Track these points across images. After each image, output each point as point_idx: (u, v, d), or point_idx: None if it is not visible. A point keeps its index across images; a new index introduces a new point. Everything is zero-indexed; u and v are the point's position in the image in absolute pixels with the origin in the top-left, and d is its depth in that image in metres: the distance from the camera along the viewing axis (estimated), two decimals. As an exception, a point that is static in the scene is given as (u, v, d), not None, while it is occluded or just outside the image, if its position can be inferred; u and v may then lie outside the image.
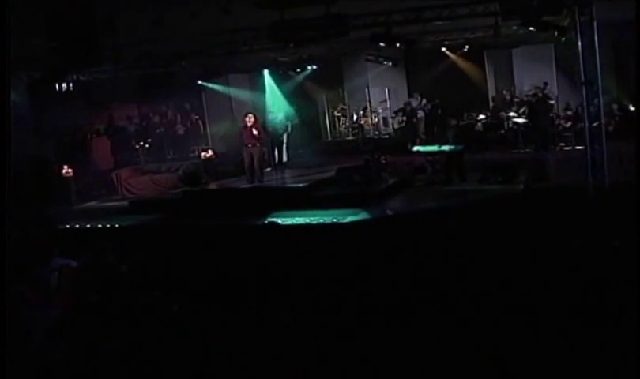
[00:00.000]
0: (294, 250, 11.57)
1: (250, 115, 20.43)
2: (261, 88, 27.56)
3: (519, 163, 20.43)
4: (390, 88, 27.86)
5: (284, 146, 25.07)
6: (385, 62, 26.56)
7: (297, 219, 15.89)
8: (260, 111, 21.79)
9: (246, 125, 20.18)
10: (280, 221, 13.27)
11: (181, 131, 27.22)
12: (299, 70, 26.88)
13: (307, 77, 27.97)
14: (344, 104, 28.29)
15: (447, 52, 27.37)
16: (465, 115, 24.87)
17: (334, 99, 28.74)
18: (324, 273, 11.05)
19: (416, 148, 21.30)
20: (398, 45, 21.38)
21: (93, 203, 23.22)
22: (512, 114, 24.09)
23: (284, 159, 25.27)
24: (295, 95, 28.14)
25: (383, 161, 20.75)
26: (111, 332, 8.91)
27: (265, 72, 26.96)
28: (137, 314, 9.39)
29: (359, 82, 28.22)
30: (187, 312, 9.56)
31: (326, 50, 23.16)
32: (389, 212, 17.00)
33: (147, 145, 25.42)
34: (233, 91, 27.68)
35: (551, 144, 22.53)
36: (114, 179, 23.79)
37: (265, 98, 26.96)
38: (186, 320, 9.39)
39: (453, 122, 22.61)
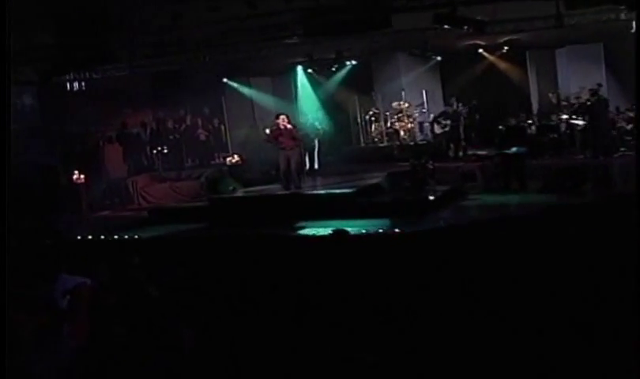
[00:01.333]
0: (363, 264, 9.06)
1: (284, 116, 18.26)
2: (287, 91, 25.18)
3: (582, 169, 17.87)
4: (426, 91, 25.30)
5: (316, 152, 22.65)
6: (433, 56, 23.78)
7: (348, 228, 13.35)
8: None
9: (279, 127, 17.98)
10: (349, 230, 10.60)
11: (202, 137, 24.68)
12: (335, 68, 24.03)
13: (344, 77, 25.47)
14: (377, 108, 25.64)
15: (485, 53, 25.43)
16: (512, 119, 22.33)
17: (366, 102, 26.22)
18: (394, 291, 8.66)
19: (471, 152, 18.70)
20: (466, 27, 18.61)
21: (106, 212, 20.74)
22: (564, 116, 21.57)
23: (316, 165, 22.87)
24: (327, 97, 25.78)
25: (430, 167, 18.20)
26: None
27: (299, 69, 24.51)
28: (176, 352, 6.87)
29: (393, 85, 25.79)
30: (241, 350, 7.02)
31: (367, 44, 20.61)
32: (449, 223, 14.44)
33: (164, 151, 22.91)
34: (256, 94, 25.25)
35: (613, 149, 19.98)
36: (130, 187, 21.28)
37: (294, 100, 24.39)
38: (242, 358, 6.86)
39: (502, 126, 20.22)
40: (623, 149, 20.27)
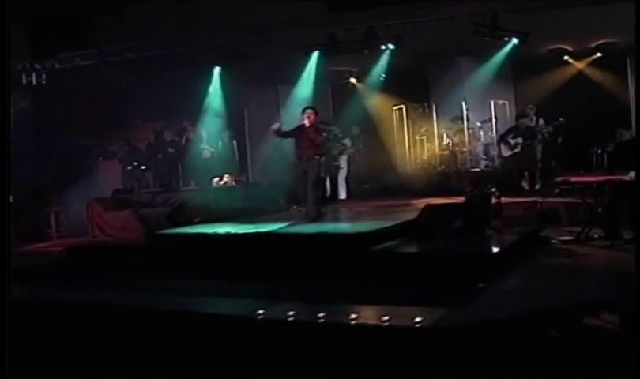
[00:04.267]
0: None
1: (310, 111, 12.47)
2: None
3: None
4: (494, 103, 18.76)
5: (342, 175, 16.51)
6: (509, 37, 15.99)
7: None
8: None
9: (302, 127, 12.33)
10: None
11: (206, 153, 18.52)
12: (366, 52, 16.31)
13: (384, 74, 18.60)
14: (430, 121, 19.18)
15: (570, 60, 19.45)
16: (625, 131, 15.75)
17: (416, 114, 19.64)
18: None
19: (560, 179, 12.03)
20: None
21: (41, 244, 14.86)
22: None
23: (341, 194, 16.66)
24: (360, 101, 19.42)
25: (495, 200, 11.78)
26: None
27: (315, 55, 16.89)
28: None
29: (451, 92, 19.30)
30: None
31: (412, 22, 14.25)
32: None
33: (142, 168, 16.91)
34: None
35: None
36: (87, 213, 15.22)
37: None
38: None
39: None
40: None
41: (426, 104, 19.25)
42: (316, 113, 12.43)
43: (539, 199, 13.68)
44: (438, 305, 6.96)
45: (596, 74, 19.53)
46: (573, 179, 11.55)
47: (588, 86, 19.52)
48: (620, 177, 10.38)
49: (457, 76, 19.60)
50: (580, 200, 11.53)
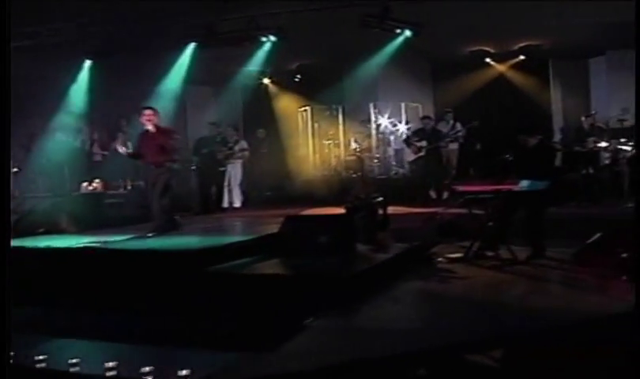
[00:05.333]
0: None
1: (149, 111, 10.72)
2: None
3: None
4: (407, 104, 17.18)
5: (232, 180, 14.85)
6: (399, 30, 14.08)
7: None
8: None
9: (147, 133, 10.76)
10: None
11: (98, 157, 16.44)
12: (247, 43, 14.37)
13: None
14: (336, 124, 17.55)
15: (492, 62, 18.27)
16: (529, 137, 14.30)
17: (323, 117, 17.96)
18: None
19: (461, 188, 10.27)
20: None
21: None
22: (603, 144, 13.38)
23: (236, 202, 14.96)
24: (267, 104, 17.90)
25: (380, 212, 10.12)
26: None
27: (190, 48, 14.62)
28: None
29: (362, 94, 17.80)
30: None
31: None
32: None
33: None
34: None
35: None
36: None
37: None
38: None
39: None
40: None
41: (334, 106, 17.51)
42: (155, 112, 10.67)
43: (440, 210, 12.11)
44: (239, 347, 5.25)
45: (518, 77, 18.44)
46: (460, 189, 9.94)
47: (510, 89, 18.48)
48: (510, 186, 8.83)
49: (371, 77, 18.07)
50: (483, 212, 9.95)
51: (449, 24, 14.65)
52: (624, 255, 8.28)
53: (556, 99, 18.28)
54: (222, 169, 14.60)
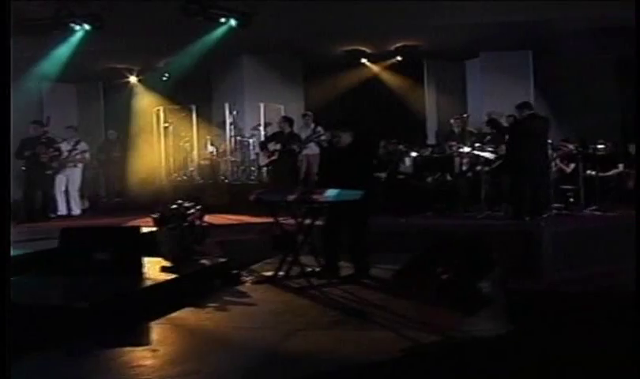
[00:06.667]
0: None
1: None
2: None
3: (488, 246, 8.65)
4: (268, 105, 15.87)
5: (73, 186, 13.41)
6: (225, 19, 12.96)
7: None
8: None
9: None
10: None
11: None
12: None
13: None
14: (199, 128, 16.15)
15: (368, 63, 17.45)
16: (383, 145, 13.27)
17: (178, 118, 16.51)
18: None
19: (267, 197, 8.85)
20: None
21: None
22: (466, 149, 12.35)
23: (74, 208, 13.55)
24: (126, 104, 17.21)
25: (197, 222, 8.82)
26: None
27: None
28: None
29: (224, 94, 16.70)
30: None
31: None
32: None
33: None
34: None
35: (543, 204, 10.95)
36: None
37: None
38: None
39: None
40: (557, 205, 11.41)
41: (192, 107, 16.07)
42: None
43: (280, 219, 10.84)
44: None
45: (393, 78, 17.63)
46: (264, 197, 8.62)
47: (385, 91, 17.63)
48: (316, 197, 7.61)
49: (238, 77, 16.83)
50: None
51: (323, 23, 13.92)
52: (444, 276, 7.22)
53: (430, 101, 17.41)
54: (48, 173, 13.01)
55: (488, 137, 12.52)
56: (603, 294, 8.26)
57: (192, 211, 8.88)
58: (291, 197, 7.84)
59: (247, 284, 8.03)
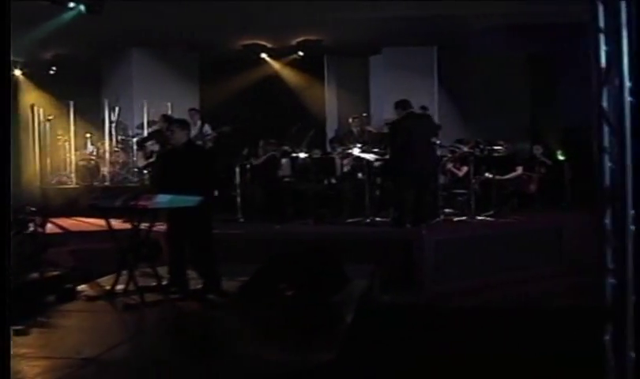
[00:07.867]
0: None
1: None
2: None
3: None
4: (152, 102, 14.86)
5: None
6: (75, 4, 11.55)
7: None
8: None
9: None
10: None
11: None
12: None
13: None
14: (79, 126, 15.06)
15: (268, 59, 16.64)
16: (261, 145, 12.46)
17: (55, 115, 15.36)
18: None
19: (101, 204, 7.88)
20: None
21: None
22: (356, 150, 11.57)
23: None
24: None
25: (40, 230, 7.98)
26: None
27: None
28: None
29: (109, 90, 15.65)
30: None
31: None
32: None
33: None
34: None
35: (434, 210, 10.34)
36: None
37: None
38: None
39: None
40: (447, 211, 10.83)
41: (70, 102, 14.95)
42: None
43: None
44: None
45: (294, 75, 16.79)
46: (99, 204, 7.69)
47: (285, 87, 16.77)
48: (143, 203, 6.74)
49: (127, 72, 15.81)
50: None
51: (220, 15, 13.04)
52: (289, 293, 6.45)
53: (331, 99, 16.65)
54: None
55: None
56: (477, 310, 7.64)
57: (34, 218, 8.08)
58: (117, 203, 6.94)
59: (81, 301, 7.14)
